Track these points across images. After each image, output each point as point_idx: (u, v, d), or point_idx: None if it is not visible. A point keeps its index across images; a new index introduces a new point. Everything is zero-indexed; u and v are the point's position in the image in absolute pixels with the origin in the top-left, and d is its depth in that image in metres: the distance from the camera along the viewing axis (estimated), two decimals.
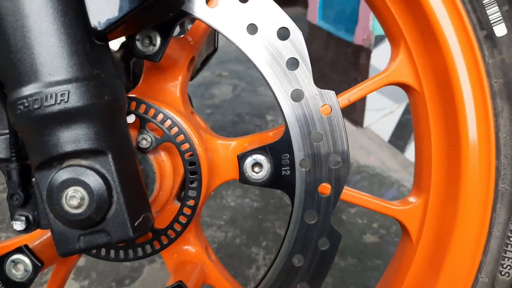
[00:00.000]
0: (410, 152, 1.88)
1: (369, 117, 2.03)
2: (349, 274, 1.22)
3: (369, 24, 1.86)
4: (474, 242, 0.57)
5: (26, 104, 0.40)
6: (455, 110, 0.57)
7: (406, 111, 1.96)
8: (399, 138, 1.90)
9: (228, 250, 1.33)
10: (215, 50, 0.85)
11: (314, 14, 2.38)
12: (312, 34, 2.51)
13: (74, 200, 0.41)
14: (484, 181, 0.56)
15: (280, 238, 1.37)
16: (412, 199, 0.64)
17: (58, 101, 0.40)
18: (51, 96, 0.40)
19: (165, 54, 0.54)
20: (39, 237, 0.62)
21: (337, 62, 2.24)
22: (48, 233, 0.63)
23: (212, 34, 0.84)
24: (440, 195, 0.61)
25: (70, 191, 0.41)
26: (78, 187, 0.41)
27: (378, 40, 1.84)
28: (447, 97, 0.58)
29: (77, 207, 0.41)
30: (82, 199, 0.41)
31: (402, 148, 1.87)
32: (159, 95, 0.63)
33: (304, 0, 2.85)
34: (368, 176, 1.73)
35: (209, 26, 0.54)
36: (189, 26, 0.71)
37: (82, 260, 1.25)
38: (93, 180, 0.42)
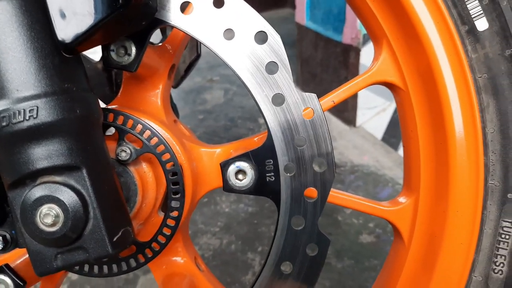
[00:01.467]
0: None
1: (362, 116, 2.02)
2: (347, 275, 1.21)
3: (356, 23, 1.86)
4: (466, 241, 0.56)
5: None
6: (440, 107, 0.56)
7: None
8: (392, 136, 1.89)
9: (223, 257, 1.31)
10: (198, 56, 0.84)
11: (302, 15, 2.38)
12: (301, 35, 2.50)
13: (48, 218, 0.40)
14: (473, 178, 0.55)
15: None
16: (402, 199, 0.63)
17: (27, 117, 0.39)
18: (19, 113, 0.38)
19: (143, 63, 0.52)
20: (21, 256, 0.60)
21: (327, 61, 2.24)
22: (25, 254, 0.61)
23: (195, 40, 0.83)
24: (430, 194, 0.60)
25: (44, 208, 0.40)
26: (52, 204, 0.40)
27: (367, 38, 1.84)
28: (432, 94, 0.57)
29: (52, 225, 0.40)
30: (57, 216, 0.40)
31: (395, 146, 1.86)
32: (140, 105, 0.61)
33: (293, 1, 2.85)
34: (362, 175, 1.72)
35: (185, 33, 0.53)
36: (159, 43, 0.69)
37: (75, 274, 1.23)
38: (68, 197, 0.40)
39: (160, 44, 0.63)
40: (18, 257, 0.60)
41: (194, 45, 0.83)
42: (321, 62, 2.31)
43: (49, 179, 0.41)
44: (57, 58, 0.41)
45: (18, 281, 0.54)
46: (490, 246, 0.55)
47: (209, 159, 0.62)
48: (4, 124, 0.38)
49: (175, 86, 0.85)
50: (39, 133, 0.39)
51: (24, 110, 0.38)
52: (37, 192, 0.40)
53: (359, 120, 2.03)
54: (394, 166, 1.76)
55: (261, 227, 1.44)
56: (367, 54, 1.84)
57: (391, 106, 1.95)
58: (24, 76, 0.39)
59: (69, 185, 0.41)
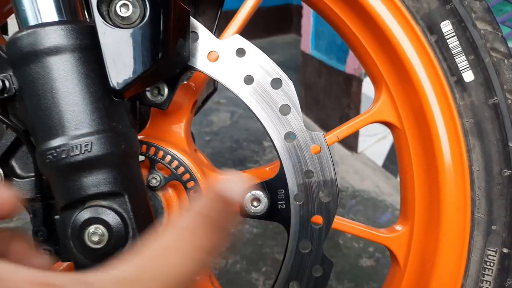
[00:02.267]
0: None
1: (363, 143, 2.10)
2: None
3: None
4: (455, 267, 0.62)
5: (54, 154, 0.46)
6: (432, 147, 0.64)
7: None
8: (392, 163, 1.96)
9: (228, 276, 1.36)
10: (214, 90, 0.92)
11: (307, 44, 2.49)
12: (305, 62, 2.61)
13: (95, 236, 0.47)
14: (461, 211, 0.62)
15: (279, 264, 1.41)
16: (398, 227, 0.70)
17: (83, 151, 0.46)
18: (76, 147, 0.46)
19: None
20: (56, 269, 0.66)
21: (330, 89, 2.33)
22: (63, 265, 0.68)
23: (209, 78, 0.92)
24: (423, 223, 0.67)
25: (92, 228, 0.47)
26: (99, 224, 0.47)
27: None
28: (425, 134, 0.65)
29: (98, 243, 0.47)
30: (102, 235, 0.47)
31: (395, 173, 1.93)
32: (165, 136, 0.69)
33: (298, 27, 2.97)
34: (363, 200, 1.78)
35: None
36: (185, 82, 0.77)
37: None
38: (112, 219, 0.47)
39: (185, 82, 0.71)
40: (53, 269, 0.66)
41: (211, 80, 0.92)
42: (324, 89, 2.40)
43: (97, 203, 0.48)
44: (107, 101, 0.49)
45: None
46: (477, 273, 0.62)
47: None
48: (63, 156, 0.46)
49: (193, 115, 0.92)
50: (91, 164, 0.47)
51: (81, 145, 0.46)
52: (86, 214, 0.47)
53: (361, 146, 2.11)
54: (394, 192, 1.83)
55: (265, 248, 1.50)
56: (369, 84, 1.93)
57: (391, 134, 2.02)
58: (81, 116, 0.47)
59: (113, 208, 0.48)
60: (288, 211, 0.59)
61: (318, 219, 0.59)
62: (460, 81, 0.61)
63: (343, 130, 0.69)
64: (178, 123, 0.70)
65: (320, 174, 0.59)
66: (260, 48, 0.59)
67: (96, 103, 0.48)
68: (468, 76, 0.61)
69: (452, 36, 0.61)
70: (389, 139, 2.02)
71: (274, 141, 0.59)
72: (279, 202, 0.59)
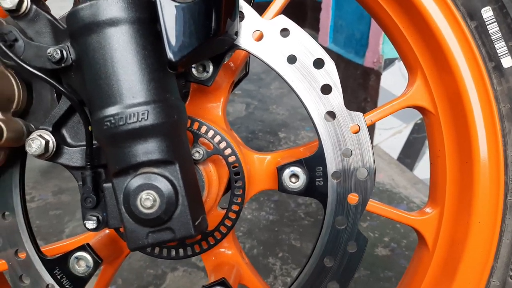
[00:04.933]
0: (418, 170, 1.95)
1: (379, 136, 2.11)
2: (362, 285, 1.27)
3: (379, 48, 1.96)
4: (486, 249, 0.63)
5: (112, 121, 0.48)
6: (467, 131, 0.65)
7: (414, 131, 2.03)
8: (407, 156, 1.97)
9: None
10: (246, 73, 0.94)
11: (325, 38, 2.49)
12: None
13: (148, 201, 0.49)
14: (494, 194, 0.63)
15: (295, 250, 1.43)
16: (428, 209, 0.71)
17: (140, 119, 0.48)
18: (134, 115, 0.48)
19: None
20: (95, 237, 0.69)
21: (346, 83, 2.34)
22: (102, 233, 0.70)
23: (245, 59, 0.93)
24: (454, 206, 0.68)
25: (144, 194, 0.49)
26: (151, 190, 0.49)
27: (388, 63, 1.94)
28: (460, 120, 0.66)
29: (150, 208, 0.49)
30: (155, 201, 0.49)
31: (410, 166, 1.94)
32: (204, 113, 0.71)
33: (312, 22, 2.97)
34: (378, 192, 1.80)
35: (253, 56, 0.63)
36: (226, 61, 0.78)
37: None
38: (164, 185, 0.49)
39: (225, 62, 0.72)
40: (92, 238, 0.69)
41: (244, 63, 0.93)
42: (340, 82, 2.41)
43: (149, 170, 0.50)
44: (162, 72, 0.51)
45: (97, 259, 0.63)
46: (508, 254, 0.63)
47: (260, 164, 0.71)
48: (121, 123, 0.48)
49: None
50: (146, 132, 0.49)
51: (138, 113, 0.48)
52: (139, 180, 0.49)
53: (376, 139, 2.12)
54: (409, 185, 1.84)
55: (281, 235, 1.52)
56: (387, 78, 1.93)
57: (407, 128, 2.03)
58: (138, 86, 0.49)
59: (165, 176, 0.50)
60: (326, 188, 0.60)
61: (354, 196, 0.61)
62: (498, 66, 0.62)
63: (377, 113, 0.71)
64: (216, 102, 0.72)
65: (358, 153, 0.60)
66: None
67: (153, 74, 0.50)
68: (507, 62, 0.62)
69: (493, 22, 0.61)
70: (404, 133, 2.02)
71: (314, 120, 0.60)
72: (317, 179, 0.61)
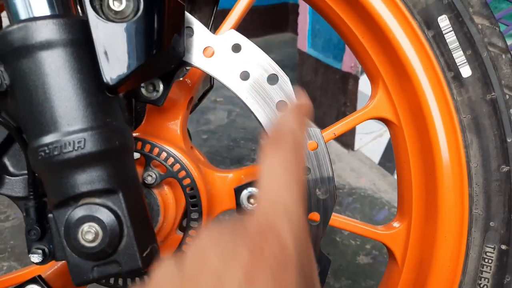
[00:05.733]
0: None
1: (360, 140, 2.10)
2: None
3: None
4: (453, 264, 0.62)
5: (47, 151, 0.45)
6: (430, 142, 0.63)
7: None
8: (388, 160, 1.96)
9: None
10: (211, 87, 0.92)
11: (303, 42, 2.48)
12: (302, 61, 2.61)
13: (89, 234, 0.46)
14: (459, 207, 0.62)
15: None
16: (396, 224, 0.69)
17: (76, 148, 0.45)
18: (69, 144, 0.45)
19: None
20: (50, 267, 0.66)
21: (326, 87, 2.33)
22: (58, 264, 0.67)
23: (205, 75, 0.91)
24: (420, 220, 0.66)
25: (86, 226, 0.46)
26: (93, 223, 0.46)
27: None
28: (422, 130, 0.64)
29: (92, 241, 0.46)
30: (97, 233, 0.46)
31: (391, 170, 1.93)
32: (161, 133, 0.68)
33: (294, 26, 2.97)
34: (360, 198, 1.78)
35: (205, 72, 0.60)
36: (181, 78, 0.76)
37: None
38: (106, 217, 0.46)
39: (181, 79, 0.70)
40: (47, 268, 0.65)
41: (208, 77, 0.91)
42: (320, 87, 2.40)
43: (90, 200, 0.47)
44: (100, 96, 0.48)
45: None
46: (475, 269, 0.61)
47: (222, 183, 0.68)
48: (56, 153, 0.45)
49: (189, 112, 0.92)
50: (84, 161, 0.46)
51: (74, 142, 0.45)
52: (80, 212, 0.46)
53: (357, 144, 2.11)
54: (390, 189, 1.83)
55: None
56: (365, 82, 1.93)
57: (388, 132, 2.02)
58: (74, 113, 0.46)
59: (107, 206, 0.47)
60: None
61: (315, 216, 0.58)
62: (457, 76, 0.61)
63: (340, 126, 0.69)
64: (174, 120, 0.69)
65: (317, 171, 0.58)
66: None
67: (90, 99, 0.47)
68: (466, 71, 0.61)
69: (450, 31, 0.60)
70: (385, 137, 2.02)
71: None
72: None
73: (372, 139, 2.02)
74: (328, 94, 2.31)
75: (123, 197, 0.48)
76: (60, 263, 0.68)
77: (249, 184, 0.59)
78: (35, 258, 0.53)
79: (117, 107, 0.51)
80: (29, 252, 0.54)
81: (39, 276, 0.60)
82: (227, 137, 2.47)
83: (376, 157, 2.01)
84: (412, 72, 0.62)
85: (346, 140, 2.14)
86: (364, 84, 1.94)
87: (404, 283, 0.67)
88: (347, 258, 1.41)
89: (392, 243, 0.68)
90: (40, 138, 0.46)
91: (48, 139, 0.45)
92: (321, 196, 0.58)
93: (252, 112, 0.59)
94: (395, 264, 0.69)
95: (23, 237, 1.62)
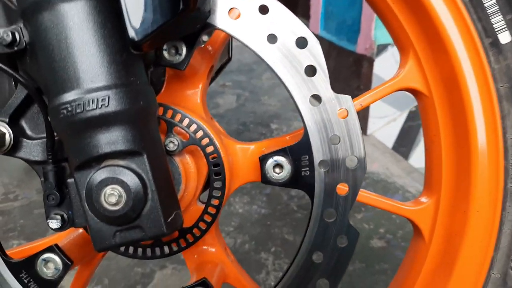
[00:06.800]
0: (413, 159, 1.91)
1: (373, 125, 2.06)
2: (357, 278, 1.24)
3: (371, 34, 1.91)
4: (485, 240, 0.59)
5: (69, 109, 0.43)
6: (464, 114, 0.60)
7: (409, 119, 1.99)
8: (402, 145, 1.93)
9: (237, 256, 1.34)
10: (229, 59, 0.89)
11: (316, 25, 2.43)
12: None
13: (112, 197, 0.44)
14: (493, 181, 0.59)
15: (288, 244, 1.39)
16: (423, 199, 0.67)
17: (99, 106, 0.43)
18: (92, 101, 0.43)
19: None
20: (66, 237, 0.64)
21: (339, 71, 2.29)
22: (75, 233, 0.65)
23: (227, 45, 0.88)
24: (451, 194, 0.64)
25: (109, 189, 0.44)
26: (116, 185, 0.44)
27: (381, 49, 1.88)
28: (456, 101, 0.61)
29: (115, 204, 0.44)
30: (120, 196, 0.44)
31: (405, 155, 1.90)
32: (181, 101, 0.66)
33: (303, 9, 2.91)
34: (372, 183, 1.76)
35: (229, 36, 0.58)
36: (205, 38, 0.74)
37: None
38: (130, 179, 0.44)
39: (203, 45, 0.67)
40: (64, 239, 0.64)
41: (226, 48, 0.88)
42: (333, 71, 2.36)
43: (113, 162, 0.45)
44: (125, 54, 0.45)
45: (67, 260, 0.58)
46: (509, 245, 0.59)
47: (243, 155, 0.66)
48: (79, 111, 0.43)
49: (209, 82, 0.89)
50: (108, 120, 0.43)
51: (97, 99, 0.43)
52: (103, 174, 0.44)
53: (370, 128, 2.07)
54: (404, 174, 1.80)
55: (274, 229, 1.48)
56: (381, 64, 1.88)
57: (402, 116, 1.99)
58: (97, 69, 0.44)
59: (131, 168, 0.45)
60: (313, 178, 0.56)
61: (344, 187, 0.56)
62: (495, 42, 0.57)
63: (367, 97, 0.66)
64: (194, 88, 0.67)
65: (347, 140, 0.56)
66: None
67: (114, 56, 0.45)
68: (505, 37, 0.57)
69: None
70: (399, 122, 1.98)
71: (298, 104, 0.55)
72: (303, 169, 0.56)
73: (385, 123, 1.99)
74: (340, 78, 2.27)
75: (148, 159, 0.45)
76: (77, 233, 0.66)
77: (275, 153, 0.57)
78: (54, 224, 0.51)
79: (142, 67, 0.48)
80: (47, 218, 0.52)
81: (56, 245, 0.58)
82: (236, 121, 2.44)
83: (390, 142, 1.98)
84: (447, 39, 0.59)
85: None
86: (379, 67, 1.90)
87: (432, 259, 0.65)
88: (360, 242, 1.39)
89: (419, 219, 0.66)
90: (62, 96, 0.43)
91: (70, 96, 0.43)
92: (350, 166, 0.56)
93: (279, 78, 0.56)
94: (421, 241, 0.67)
95: (32, 216, 1.63)
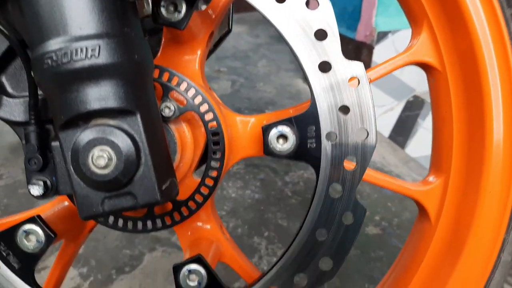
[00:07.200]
0: (410, 148, 1.89)
1: None
2: (353, 265, 1.21)
3: (372, 21, 1.87)
4: (497, 221, 0.56)
5: (54, 58, 0.38)
6: (479, 90, 0.57)
7: (406, 108, 1.96)
8: (399, 134, 1.91)
9: None
10: (229, 31, 0.84)
11: None
12: None
13: (101, 160, 0.40)
14: (508, 160, 0.56)
15: (282, 229, 1.36)
16: (431, 178, 0.63)
17: (89, 56, 0.38)
18: (81, 50, 0.38)
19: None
20: (51, 209, 0.60)
21: None
22: (60, 205, 0.61)
23: (227, 15, 0.83)
24: (461, 175, 0.60)
25: (97, 150, 0.40)
26: (106, 146, 0.40)
27: (381, 36, 1.84)
28: (472, 78, 0.58)
29: (104, 168, 0.40)
30: (110, 159, 0.40)
31: (402, 144, 1.87)
32: (178, 67, 0.61)
33: None
34: None
35: (230, 2, 0.53)
36: (203, 7, 0.69)
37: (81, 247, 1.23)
38: (122, 140, 0.40)
39: (203, 9, 0.62)
40: (48, 210, 0.59)
41: (225, 20, 0.83)
42: None
43: (103, 121, 0.40)
44: (118, 1, 0.41)
45: (50, 232, 0.53)
46: None
47: (243, 127, 0.62)
48: (65, 60, 0.38)
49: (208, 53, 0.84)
50: (98, 73, 0.39)
51: (87, 48, 0.38)
52: (91, 133, 0.40)
53: None
54: (400, 163, 1.77)
55: (267, 214, 1.44)
56: (380, 52, 1.85)
57: (399, 106, 1.96)
58: (87, 15, 0.39)
59: (123, 129, 0.40)
60: (319, 151, 0.52)
61: (352, 161, 0.52)
62: None
63: (377, 70, 0.62)
64: (192, 54, 0.62)
65: (357, 110, 0.52)
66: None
67: (106, 2, 0.40)
68: None
69: None
70: (396, 111, 1.96)
71: (306, 70, 0.51)
72: (308, 140, 0.52)
73: (382, 112, 1.96)
74: None
75: (142, 119, 0.41)
76: (62, 206, 0.62)
77: (279, 123, 0.53)
78: (35, 190, 0.47)
79: (137, 19, 0.44)
80: (29, 183, 0.47)
81: (38, 216, 0.54)
82: (230, 106, 2.38)
83: (386, 131, 1.95)
84: (465, 9, 0.55)
85: None
86: (378, 54, 1.86)
87: (438, 241, 0.62)
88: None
89: (426, 199, 0.63)
90: (46, 43, 0.39)
91: (56, 43, 0.38)
92: (360, 139, 0.52)
93: (287, 42, 0.52)
94: (427, 223, 0.64)
95: (17, 196, 1.56)
